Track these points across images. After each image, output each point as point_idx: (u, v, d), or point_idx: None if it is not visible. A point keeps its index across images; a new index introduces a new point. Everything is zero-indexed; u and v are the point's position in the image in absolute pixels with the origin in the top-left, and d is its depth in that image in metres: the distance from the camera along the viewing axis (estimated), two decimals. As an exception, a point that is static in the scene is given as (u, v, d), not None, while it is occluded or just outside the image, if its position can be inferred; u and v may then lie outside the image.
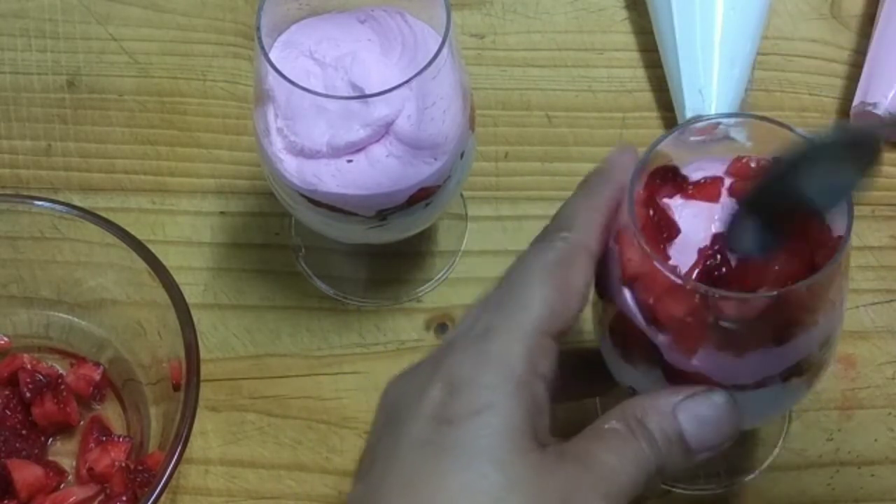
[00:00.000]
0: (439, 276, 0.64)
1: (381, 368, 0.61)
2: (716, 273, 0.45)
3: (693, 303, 0.43)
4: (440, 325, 0.63)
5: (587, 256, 0.46)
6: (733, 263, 0.45)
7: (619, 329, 0.48)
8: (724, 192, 0.47)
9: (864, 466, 0.58)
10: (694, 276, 0.45)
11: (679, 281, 0.43)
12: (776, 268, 0.44)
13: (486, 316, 0.45)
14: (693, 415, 0.45)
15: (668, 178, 0.47)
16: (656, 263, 0.43)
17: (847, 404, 0.59)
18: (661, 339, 0.46)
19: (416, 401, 0.44)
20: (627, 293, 0.46)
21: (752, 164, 0.47)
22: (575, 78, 0.70)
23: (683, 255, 0.46)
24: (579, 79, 0.70)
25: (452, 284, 0.64)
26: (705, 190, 0.47)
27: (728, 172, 0.47)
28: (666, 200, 0.47)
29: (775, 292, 0.43)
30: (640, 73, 0.70)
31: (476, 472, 0.42)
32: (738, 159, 0.47)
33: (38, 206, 0.59)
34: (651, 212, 0.46)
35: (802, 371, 0.47)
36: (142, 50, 0.72)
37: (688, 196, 0.47)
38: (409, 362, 0.61)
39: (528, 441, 0.43)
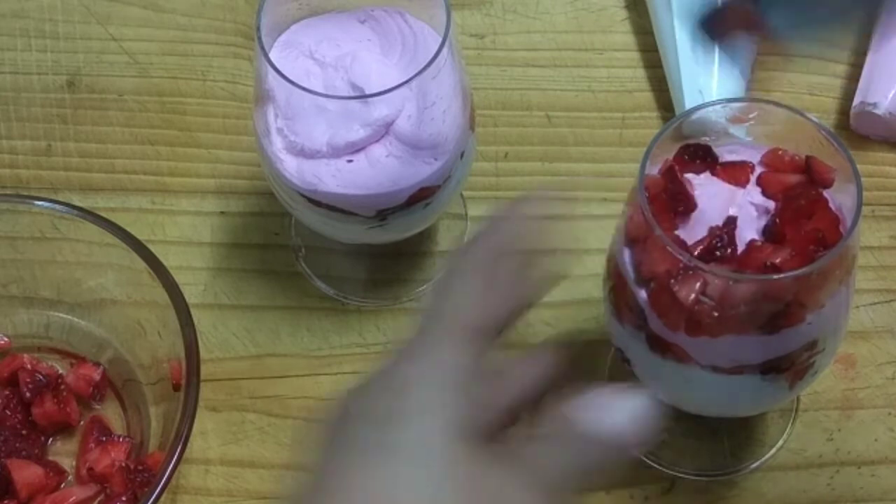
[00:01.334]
0: (439, 276, 0.64)
1: (381, 368, 0.61)
2: (718, 253, 0.45)
3: (680, 273, 0.44)
4: (440, 326, 0.63)
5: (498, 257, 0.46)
6: (740, 249, 0.45)
7: (616, 287, 0.48)
8: (752, 179, 0.47)
9: (864, 466, 0.58)
10: (697, 251, 0.45)
11: (670, 245, 0.44)
12: (778, 260, 0.44)
13: (424, 319, 0.46)
14: (620, 413, 0.44)
15: (698, 155, 0.48)
16: (652, 224, 0.44)
17: (847, 404, 0.59)
18: (647, 304, 0.46)
19: (360, 409, 0.45)
20: (627, 253, 0.47)
21: (787, 158, 0.47)
22: (575, 78, 0.70)
23: (693, 230, 0.46)
24: (579, 79, 0.70)
25: (452, 284, 0.64)
26: (733, 172, 0.48)
27: (762, 161, 0.48)
28: (690, 175, 0.47)
29: (757, 276, 0.43)
30: (640, 73, 0.70)
31: (416, 466, 0.43)
32: (775, 150, 0.48)
33: (38, 206, 0.59)
34: (669, 181, 0.46)
35: (783, 368, 0.47)
36: (142, 50, 0.72)
37: (715, 175, 0.47)
38: (409, 362, 0.61)
39: (465, 441, 0.43)
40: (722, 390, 0.47)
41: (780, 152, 0.48)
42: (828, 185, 0.47)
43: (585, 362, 0.58)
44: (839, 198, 0.47)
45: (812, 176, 0.47)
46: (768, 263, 0.44)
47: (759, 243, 0.46)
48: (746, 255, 0.46)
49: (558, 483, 0.44)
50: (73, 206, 0.59)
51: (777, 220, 0.46)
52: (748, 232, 0.46)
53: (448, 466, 0.43)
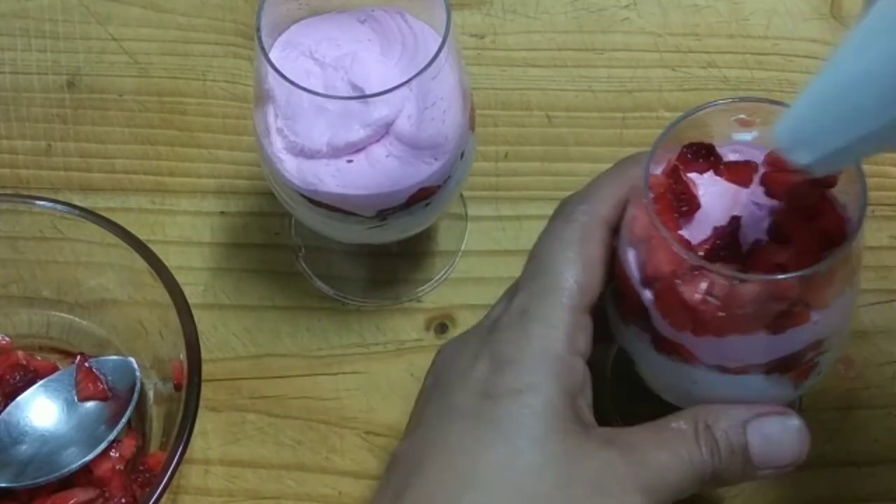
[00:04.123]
0: (439, 276, 0.64)
1: (381, 368, 0.61)
2: (722, 253, 0.45)
3: (685, 273, 0.44)
4: (440, 325, 0.63)
5: (606, 229, 0.48)
6: (744, 249, 0.45)
7: (621, 287, 0.48)
8: (756, 178, 0.47)
9: (864, 466, 0.58)
10: (701, 251, 0.45)
11: (675, 246, 0.44)
12: (784, 260, 0.44)
13: (523, 296, 0.47)
14: (763, 433, 0.46)
15: (702, 154, 0.48)
16: (657, 225, 0.44)
17: (847, 404, 0.59)
18: (652, 305, 0.46)
19: (464, 372, 0.46)
20: (631, 253, 0.47)
21: None
22: (575, 78, 0.70)
23: (697, 230, 0.46)
24: (579, 79, 0.70)
25: (452, 284, 0.64)
26: (737, 172, 0.48)
27: (765, 161, 0.48)
28: (693, 175, 0.47)
29: (763, 277, 0.43)
30: (640, 73, 0.70)
31: (513, 447, 0.43)
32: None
33: (39, 206, 0.59)
34: (673, 182, 0.46)
35: (788, 368, 0.47)
36: (142, 50, 0.72)
37: (718, 175, 0.47)
38: (408, 362, 0.61)
39: (567, 422, 0.44)
40: (727, 390, 0.47)
41: None
42: (831, 185, 0.47)
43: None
44: (843, 198, 0.47)
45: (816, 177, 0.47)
46: (774, 263, 0.44)
47: (764, 243, 0.46)
48: (751, 254, 0.46)
49: (669, 485, 0.44)
50: (74, 206, 0.59)
51: (781, 220, 0.46)
52: (752, 232, 0.46)
53: (552, 447, 0.43)
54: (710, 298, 0.44)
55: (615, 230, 0.48)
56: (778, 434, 0.46)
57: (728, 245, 0.46)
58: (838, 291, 0.45)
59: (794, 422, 0.46)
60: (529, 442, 0.43)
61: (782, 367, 0.47)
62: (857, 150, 0.43)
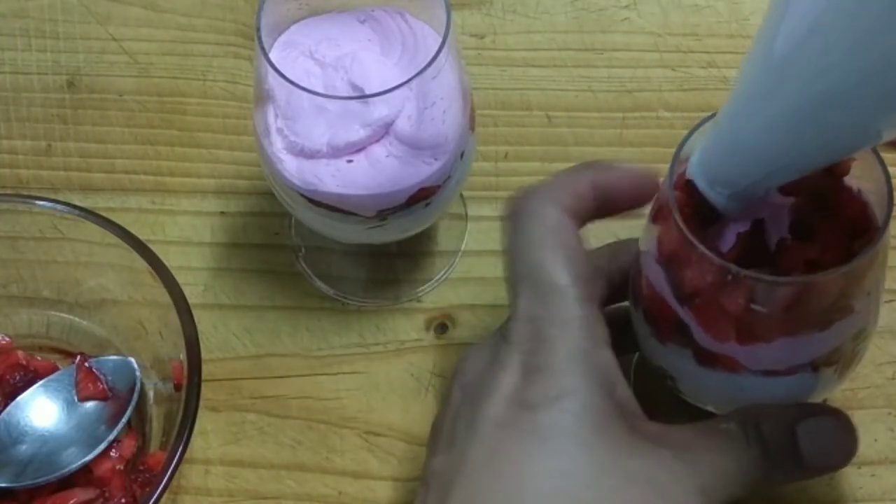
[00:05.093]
0: (439, 276, 0.64)
1: (381, 368, 0.61)
2: (752, 257, 0.45)
3: (724, 284, 0.43)
4: (440, 325, 0.63)
5: (571, 217, 0.47)
6: (771, 249, 0.45)
7: (652, 308, 0.48)
8: None
9: (864, 466, 0.58)
10: (732, 259, 0.44)
11: (713, 258, 0.43)
12: (815, 255, 0.44)
13: (526, 303, 0.46)
14: (812, 433, 0.45)
15: None
16: (691, 240, 0.43)
17: (847, 404, 0.59)
18: (691, 320, 0.45)
19: (493, 381, 0.45)
20: (660, 272, 0.46)
21: None
22: (575, 78, 0.70)
23: (722, 238, 0.46)
24: (579, 79, 0.70)
25: (452, 284, 0.64)
26: None
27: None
28: None
29: (805, 278, 0.43)
30: (640, 73, 0.70)
31: (561, 454, 0.42)
32: None
33: (39, 206, 0.59)
34: (688, 194, 0.46)
35: (833, 361, 0.46)
36: (142, 50, 0.72)
37: None
38: (408, 362, 0.61)
39: (613, 421, 0.43)
40: (775, 392, 0.46)
41: None
42: (844, 173, 0.46)
43: None
44: (859, 184, 0.46)
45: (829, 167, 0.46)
46: (806, 260, 0.44)
47: (790, 241, 0.46)
48: (779, 254, 0.45)
49: (724, 486, 0.43)
50: (74, 206, 0.59)
51: (803, 216, 0.46)
52: (776, 231, 0.46)
53: (597, 450, 0.42)
54: (754, 306, 0.43)
55: (578, 219, 0.48)
56: (828, 434, 0.45)
57: (756, 248, 0.45)
58: (875, 277, 0.45)
59: (841, 420, 0.46)
60: (577, 448, 0.42)
61: (829, 360, 0.46)
62: (772, 181, 0.43)
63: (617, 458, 0.42)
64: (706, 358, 0.46)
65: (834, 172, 0.46)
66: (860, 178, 0.46)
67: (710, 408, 0.50)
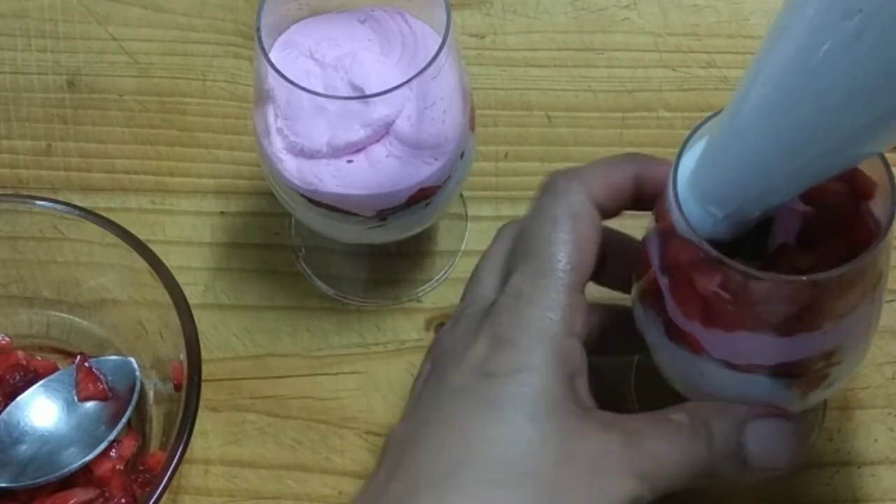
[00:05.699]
0: (439, 276, 0.64)
1: (381, 368, 0.61)
2: (746, 251, 0.45)
3: (699, 262, 0.44)
4: (440, 325, 0.63)
5: (595, 208, 0.48)
6: (771, 250, 0.45)
7: (642, 272, 0.48)
8: None
9: (864, 466, 0.58)
10: (725, 247, 0.45)
11: (692, 236, 0.43)
12: (807, 266, 0.44)
13: (517, 278, 0.47)
14: (759, 433, 0.46)
15: None
16: (674, 216, 0.44)
17: (847, 404, 0.59)
18: (667, 290, 0.46)
19: (461, 353, 0.46)
20: (654, 240, 0.47)
21: None
22: (575, 78, 0.70)
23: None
24: (579, 79, 0.70)
25: (452, 284, 0.64)
26: None
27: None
28: None
29: (774, 276, 0.42)
30: (640, 73, 0.70)
31: (511, 424, 0.44)
32: None
33: (39, 206, 0.59)
34: None
35: (795, 374, 0.47)
36: (142, 50, 0.72)
37: None
38: (408, 362, 0.61)
39: (566, 402, 0.44)
40: (733, 387, 0.47)
41: None
42: (869, 198, 0.46)
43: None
44: (879, 211, 0.46)
45: (854, 186, 0.46)
46: (795, 267, 0.44)
47: (790, 247, 0.46)
48: (775, 256, 0.45)
49: (665, 475, 0.44)
50: (74, 206, 0.59)
51: (812, 227, 0.46)
52: (782, 235, 0.46)
53: (549, 426, 0.44)
54: (720, 291, 0.44)
55: (604, 212, 0.49)
56: (774, 436, 0.46)
57: (753, 243, 0.45)
58: (854, 304, 0.45)
59: (790, 425, 0.46)
60: (528, 419, 0.44)
61: (790, 372, 0.46)
62: (768, 200, 0.43)
63: (564, 435, 0.44)
64: (674, 332, 0.47)
65: (858, 194, 0.46)
66: (879, 206, 0.46)
67: (678, 388, 0.50)
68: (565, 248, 0.47)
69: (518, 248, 0.49)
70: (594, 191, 0.48)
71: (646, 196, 0.49)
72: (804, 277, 0.42)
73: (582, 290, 0.47)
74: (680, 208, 0.43)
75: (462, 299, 0.52)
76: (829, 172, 0.42)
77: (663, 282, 0.46)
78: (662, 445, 0.45)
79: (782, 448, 0.46)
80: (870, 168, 0.46)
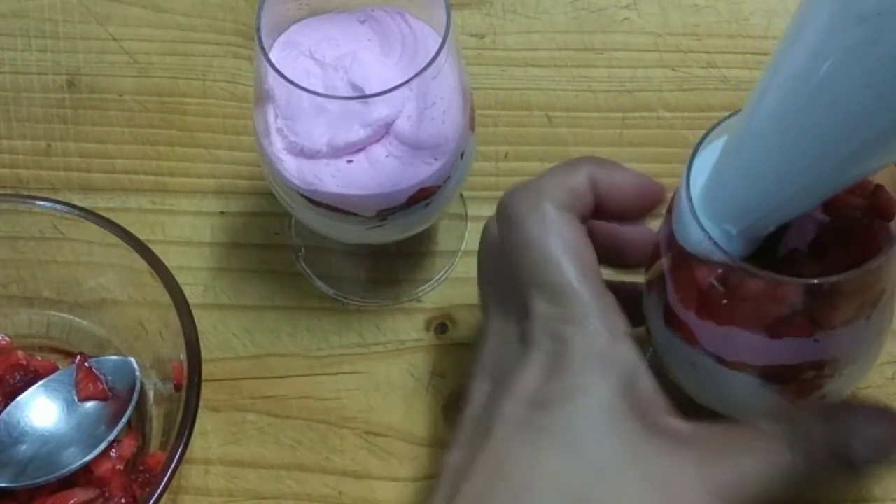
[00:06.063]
0: (439, 276, 0.64)
1: (381, 368, 0.61)
2: (756, 254, 0.45)
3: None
4: (440, 325, 0.63)
5: (571, 212, 0.47)
6: (780, 254, 0.45)
7: (653, 256, 0.48)
8: None
9: (863, 466, 0.58)
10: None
11: (696, 226, 0.43)
12: (810, 274, 0.43)
13: (539, 303, 0.45)
14: (864, 434, 0.44)
15: None
16: (684, 203, 0.44)
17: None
18: (669, 275, 0.46)
19: (514, 381, 0.44)
20: (666, 227, 0.47)
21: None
22: (575, 78, 0.70)
23: None
24: (579, 79, 0.70)
25: (452, 284, 0.64)
26: None
27: None
28: None
29: (766, 275, 0.42)
30: (640, 73, 0.70)
31: (569, 452, 0.42)
32: None
33: (39, 206, 0.59)
34: None
35: (784, 379, 0.47)
36: (142, 50, 0.72)
37: None
38: (409, 362, 0.61)
39: (629, 420, 0.42)
40: (722, 383, 0.47)
41: None
42: (889, 219, 0.46)
43: None
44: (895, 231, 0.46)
45: (875, 204, 0.46)
46: (798, 274, 0.44)
47: (800, 254, 0.46)
48: (783, 261, 0.45)
49: (750, 489, 0.42)
50: (74, 206, 0.59)
51: (824, 238, 0.46)
52: (794, 241, 0.46)
53: (608, 447, 0.41)
54: (716, 284, 0.44)
55: (577, 214, 0.47)
56: (879, 433, 0.44)
57: (765, 247, 0.45)
58: (849, 318, 0.44)
59: (891, 415, 0.44)
60: (586, 445, 0.41)
61: (778, 375, 0.46)
62: (782, 213, 0.43)
63: (629, 457, 0.41)
64: (672, 320, 0.47)
65: (877, 213, 0.46)
66: None
67: (672, 376, 0.50)
68: (564, 260, 0.45)
69: (521, 275, 0.46)
70: (557, 197, 0.47)
71: (606, 205, 0.48)
72: (796, 280, 0.42)
73: (604, 290, 0.45)
74: (697, 221, 0.43)
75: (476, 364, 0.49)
76: (844, 184, 0.41)
77: (666, 266, 0.46)
78: (746, 460, 0.42)
79: (889, 440, 0.44)
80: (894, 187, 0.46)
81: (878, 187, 0.46)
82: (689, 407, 0.48)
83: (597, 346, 0.44)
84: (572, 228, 0.46)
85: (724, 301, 0.44)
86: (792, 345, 0.45)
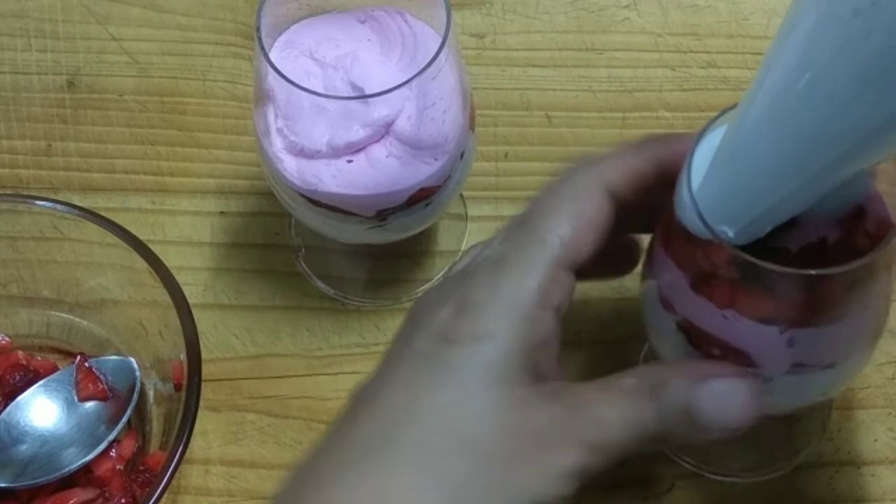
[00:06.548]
0: (439, 276, 0.64)
1: (381, 368, 0.61)
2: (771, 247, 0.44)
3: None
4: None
5: (606, 193, 0.47)
6: (794, 250, 0.45)
7: (659, 232, 0.48)
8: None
9: (864, 466, 0.58)
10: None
11: (696, 208, 0.43)
12: (805, 272, 0.43)
13: (502, 244, 0.46)
14: (713, 393, 0.44)
15: None
16: (682, 183, 0.44)
17: (847, 404, 0.59)
18: (659, 230, 0.47)
19: (429, 316, 0.45)
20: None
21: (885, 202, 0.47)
22: (575, 78, 0.70)
23: (789, 232, 0.45)
24: (579, 79, 0.70)
25: (452, 284, 0.64)
26: None
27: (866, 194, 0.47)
28: None
29: (750, 259, 0.42)
30: (640, 73, 0.70)
31: (458, 392, 0.43)
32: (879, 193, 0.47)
33: (39, 206, 0.59)
34: None
35: (693, 342, 0.47)
36: (142, 50, 0.72)
37: None
38: (409, 362, 0.61)
39: (521, 373, 0.43)
40: (657, 318, 0.47)
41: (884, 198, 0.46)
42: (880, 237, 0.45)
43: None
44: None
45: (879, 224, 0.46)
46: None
47: (806, 254, 0.45)
48: (791, 259, 0.45)
49: (614, 441, 0.43)
50: (74, 206, 0.59)
51: (831, 246, 0.45)
52: (808, 234, 0.46)
53: (497, 396, 0.43)
54: (706, 259, 0.44)
55: (622, 198, 0.47)
56: (728, 395, 0.44)
57: (774, 233, 0.44)
58: (815, 321, 0.44)
59: (746, 383, 0.45)
60: (475, 388, 0.43)
61: (688, 333, 0.46)
62: (778, 213, 0.43)
63: (511, 406, 0.43)
64: (666, 302, 0.47)
65: (875, 230, 0.45)
66: None
67: (647, 333, 0.50)
68: (561, 223, 0.45)
69: (514, 219, 0.47)
70: (609, 177, 0.47)
71: (670, 178, 0.48)
72: (769, 265, 0.42)
73: (570, 269, 0.45)
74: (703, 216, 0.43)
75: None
76: (838, 182, 0.41)
77: (661, 222, 0.46)
78: (609, 411, 0.43)
79: (737, 407, 0.44)
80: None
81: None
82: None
83: (524, 304, 0.44)
84: (593, 211, 0.46)
85: (716, 278, 0.44)
86: (702, 307, 0.45)
